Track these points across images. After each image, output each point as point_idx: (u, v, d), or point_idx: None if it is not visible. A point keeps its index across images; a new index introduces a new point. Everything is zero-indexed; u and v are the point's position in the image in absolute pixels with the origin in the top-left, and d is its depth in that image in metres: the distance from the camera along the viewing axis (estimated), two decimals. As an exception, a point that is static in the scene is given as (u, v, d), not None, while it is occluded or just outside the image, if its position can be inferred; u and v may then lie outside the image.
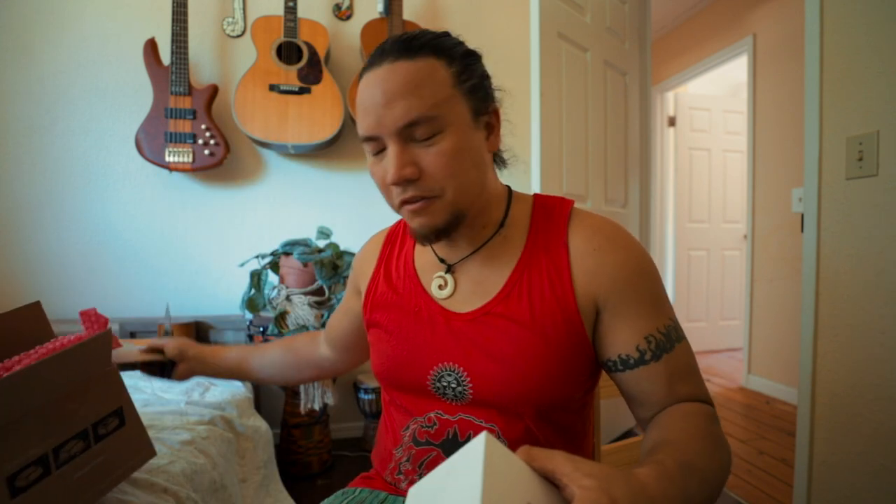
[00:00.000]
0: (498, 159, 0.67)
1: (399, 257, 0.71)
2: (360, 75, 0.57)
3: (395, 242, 0.73)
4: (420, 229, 0.58)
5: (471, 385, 0.59)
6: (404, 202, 0.56)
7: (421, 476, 0.63)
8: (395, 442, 0.67)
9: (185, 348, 0.88)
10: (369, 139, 0.56)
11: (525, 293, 0.59)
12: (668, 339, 0.57)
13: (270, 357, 0.89)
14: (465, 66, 0.57)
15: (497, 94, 0.64)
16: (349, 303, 0.81)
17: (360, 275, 0.76)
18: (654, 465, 0.41)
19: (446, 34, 0.59)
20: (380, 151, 0.57)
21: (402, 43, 0.55)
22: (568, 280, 0.58)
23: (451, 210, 0.57)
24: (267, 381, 0.93)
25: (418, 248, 0.70)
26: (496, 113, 0.62)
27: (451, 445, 0.61)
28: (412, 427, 0.65)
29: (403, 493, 0.66)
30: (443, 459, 0.60)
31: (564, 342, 0.57)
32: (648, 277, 0.58)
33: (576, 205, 0.65)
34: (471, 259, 0.64)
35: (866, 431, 1.11)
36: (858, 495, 1.12)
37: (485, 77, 0.61)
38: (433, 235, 0.58)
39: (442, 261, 0.66)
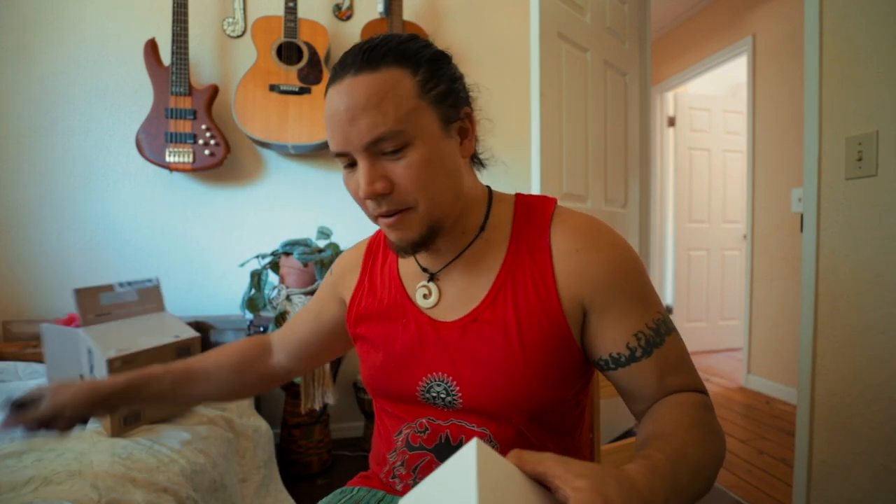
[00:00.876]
0: (476, 161, 0.65)
1: (383, 268, 0.69)
2: (327, 88, 0.55)
3: (376, 253, 0.72)
4: (398, 243, 0.58)
5: (460, 394, 0.59)
6: (380, 215, 0.56)
7: (416, 481, 0.63)
8: (389, 447, 0.66)
9: (59, 409, 0.64)
10: (340, 154, 0.55)
11: (510, 298, 0.58)
12: (657, 334, 0.57)
13: (215, 380, 0.75)
14: (431, 73, 0.54)
15: (474, 94, 0.62)
16: (320, 305, 0.76)
17: (343, 285, 0.73)
18: (643, 461, 0.41)
19: (412, 38, 0.56)
20: (352, 164, 0.56)
21: (363, 53, 0.52)
22: (552, 283, 0.57)
23: (426, 222, 0.56)
24: (207, 402, 0.85)
25: None
26: (469, 116, 0.59)
27: (444, 450, 0.61)
28: (405, 432, 0.64)
29: (401, 494, 0.66)
30: (437, 464, 0.61)
31: (551, 346, 0.57)
32: (633, 275, 0.58)
33: (573, 205, 0.64)
34: (454, 266, 0.63)
35: (866, 431, 1.11)
36: (858, 495, 1.12)
37: (455, 80, 0.58)
38: (411, 249, 0.57)
39: (424, 270, 0.65)
